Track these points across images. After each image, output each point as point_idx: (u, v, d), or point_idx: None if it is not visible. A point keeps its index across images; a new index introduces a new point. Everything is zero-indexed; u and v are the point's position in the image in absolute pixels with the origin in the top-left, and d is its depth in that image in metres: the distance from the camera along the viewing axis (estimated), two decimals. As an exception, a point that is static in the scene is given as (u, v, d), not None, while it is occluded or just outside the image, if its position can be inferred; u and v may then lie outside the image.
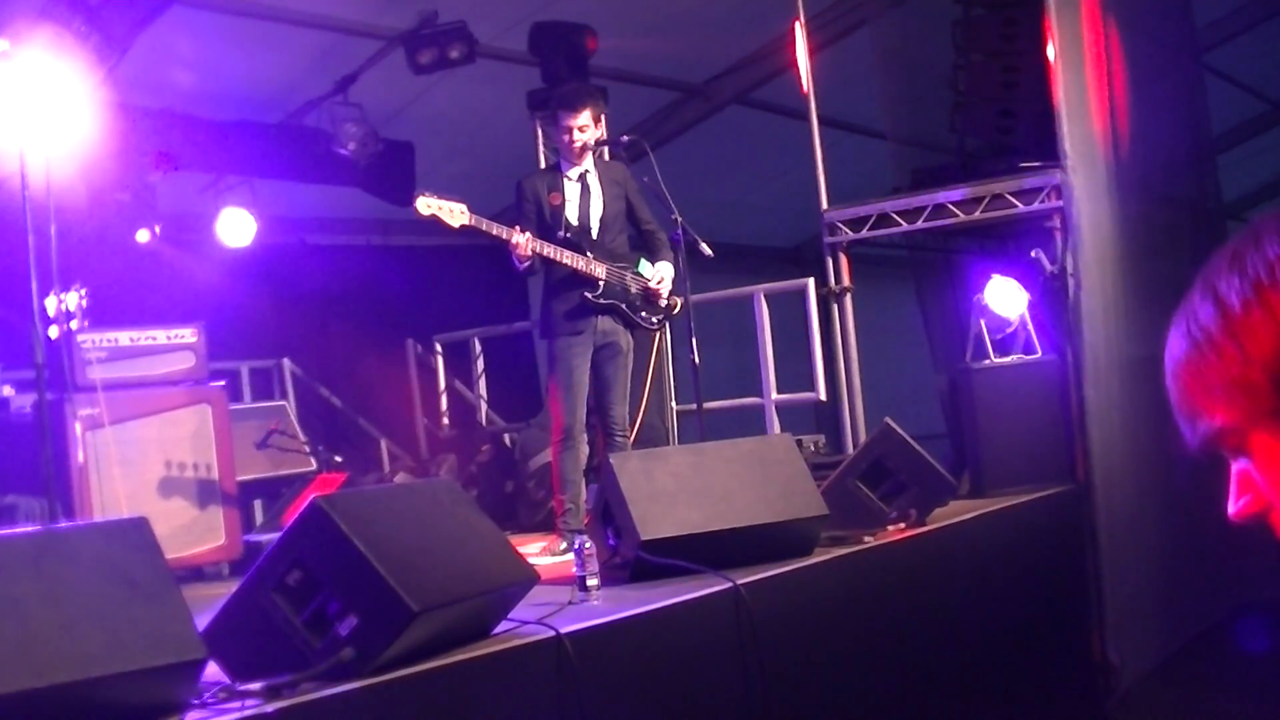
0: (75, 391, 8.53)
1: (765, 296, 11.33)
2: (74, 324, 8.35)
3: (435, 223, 8.00)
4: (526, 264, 8.13)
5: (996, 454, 9.38)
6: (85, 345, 8.70)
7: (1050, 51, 9.38)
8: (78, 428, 8.46)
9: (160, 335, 9.17)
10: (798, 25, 10.51)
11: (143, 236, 10.94)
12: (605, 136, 9.07)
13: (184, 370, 9.21)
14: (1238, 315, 1.42)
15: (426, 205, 7.97)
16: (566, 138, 8.39)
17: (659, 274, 8.56)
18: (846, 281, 10.32)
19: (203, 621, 4.04)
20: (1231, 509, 1.53)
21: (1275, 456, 1.45)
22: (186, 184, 12.27)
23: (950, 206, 9.91)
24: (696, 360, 8.53)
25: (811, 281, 10.91)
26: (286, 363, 13.20)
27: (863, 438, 9.51)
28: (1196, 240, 11.64)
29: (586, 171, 8.49)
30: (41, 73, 7.66)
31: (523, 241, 8.02)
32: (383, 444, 13.60)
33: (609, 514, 6.46)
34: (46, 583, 3.47)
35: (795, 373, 11.39)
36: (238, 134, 11.66)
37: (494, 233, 8.08)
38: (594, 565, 5.70)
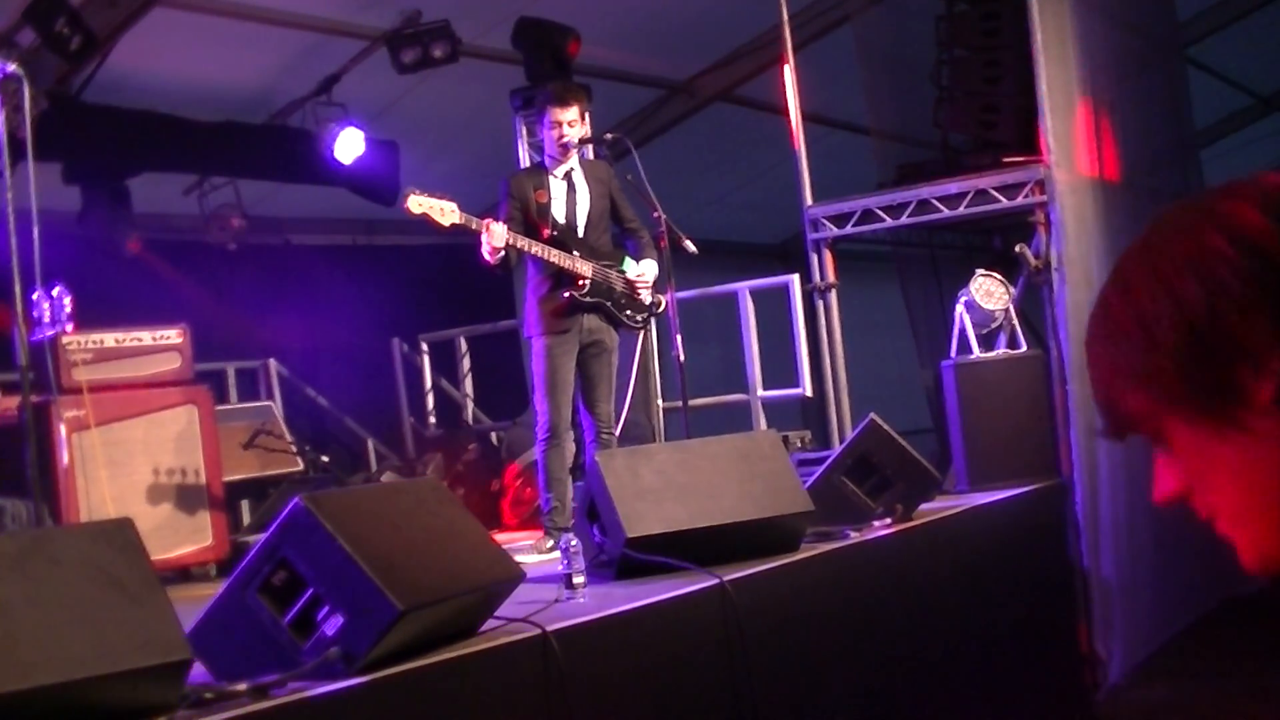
0: (61, 393, 8.52)
1: (750, 293, 11.35)
2: (59, 325, 8.33)
3: (423, 221, 7.99)
4: (498, 257, 8.09)
5: (982, 449, 9.39)
6: (70, 347, 8.70)
7: (1033, 46, 9.40)
8: (63, 429, 8.45)
9: (146, 336, 9.16)
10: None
11: (133, 243, 10.96)
12: (589, 134, 9.08)
13: (170, 371, 9.21)
14: (1145, 304, 1.45)
15: (418, 204, 7.96)
16: (555, 133, 8.38)
17: (643, 272, 8.57)
18: (831, 277, 10.32)
19: (189, 622, 4.04)
20: (1156, 492, 1.55)
21: (1186, 443, 1.48)
22: (171, 185, 12.27)
23: (934, 202, 9.92)
24: (682, 357, 8.54)
25: (796, 278, 10.92)
26: (272, 363, 13.18)
27: (849, 433, 9.51)
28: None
29: (572, 169, 8.49)
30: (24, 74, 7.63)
31: (498, 231, 7.97)
32: (369, 443, 13.59)
33: (595, 511, 6.46)
34: (31, 584, 3.47)
35: (781, 369, 11.40)
36: (222, 135, 11.64)
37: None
38: (580, 563, 5.70)
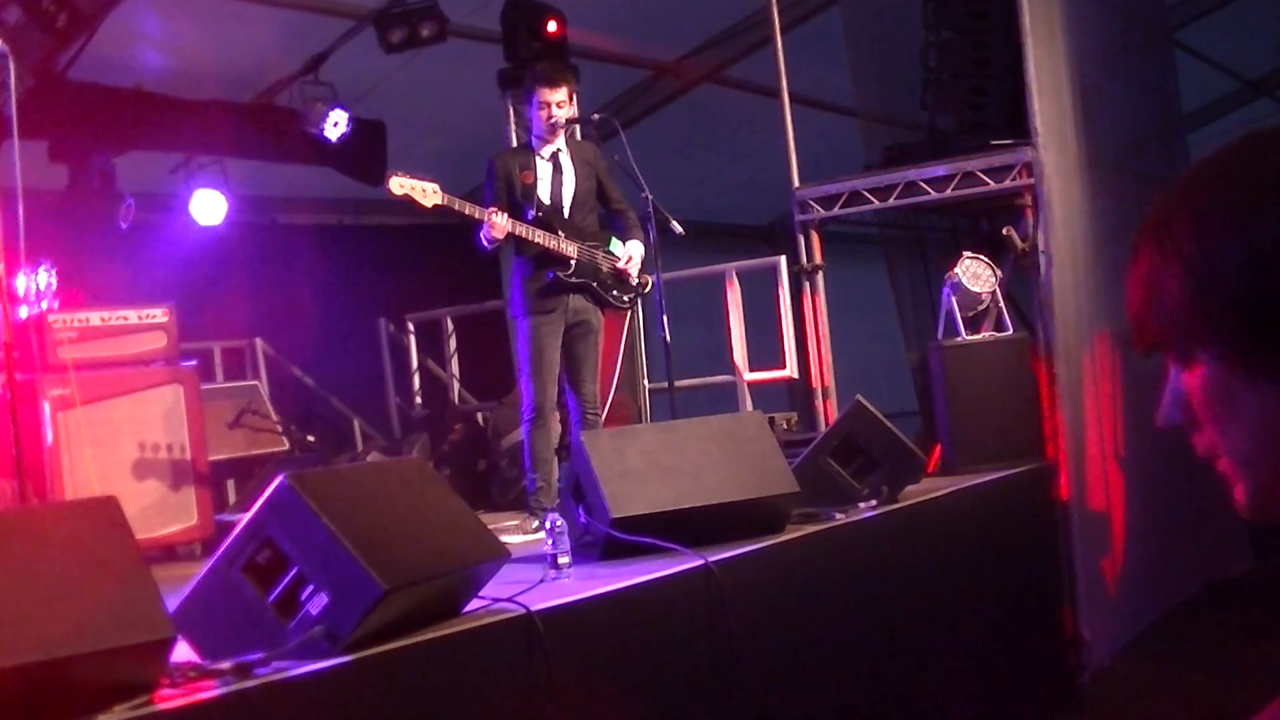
0: (46, 371, 8.51)
1: (737, 274, 11.35)
2: (44, 304, 8.32)
3: (407, 202, 8.00)
4: (496, 244, 8.14)
5: (968, 431, 9.40)
6: (56, 325, 8.68)
7: (1021, 28, 9.39)
8: (48, 408, 8.44)
9: (132, 315, 9.13)
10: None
11: (124, 218, 10.94)
12: (577, 115, 9.07)
13: (156, 350, 9.18)
14: (1214, 231, 1.42)
15: (399, 185, 7.97)
16: (544, 114, 8.38)
17: (630, 253, 8.57)
18: (818, 259, 10.32)
19: (174, 601, 4.04)
20: (1161, 415, 1.53)
21: (1213, 379, 1.45)
22: (158, 164, 12.25)
23: (921, 184, 9.92)
24: (668, 338, 8.53)
25: (783, 259, 10.93)
26: (259, 342, 13.17)
27: (835, 415, 9.53)
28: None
29: (559, 150, 8.49)
30: (10, 51, 7.61)
31: (500, 222, 8.02)
32: (355, 423, 13.59)
33: (580, 492, 6.46)
34: (15, 563, 3.46)
35: (767, 351, 11.40)
36: (209, 114, 11.62)
37: (466, 212, 8.08)
38: (565, 543, 5.71)
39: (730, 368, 11.42)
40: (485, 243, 8.14)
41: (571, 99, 8.55)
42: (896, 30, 11.34)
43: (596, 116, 9.38)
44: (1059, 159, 9.61)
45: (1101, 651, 9.22)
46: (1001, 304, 9.70)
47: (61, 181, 11.01)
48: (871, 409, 7.87)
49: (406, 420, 13.57)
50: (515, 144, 10.74)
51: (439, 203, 8.02)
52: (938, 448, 9.51)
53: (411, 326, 13.85)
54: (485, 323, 13.89)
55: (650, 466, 6.41)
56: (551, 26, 11.31)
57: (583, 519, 6.41)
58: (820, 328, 10.31)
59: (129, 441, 8.85)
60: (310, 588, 4.13)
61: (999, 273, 9.66)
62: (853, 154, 11.33)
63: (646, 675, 5.32)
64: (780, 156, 10.52)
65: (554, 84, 8.37)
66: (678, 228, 8.59)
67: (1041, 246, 9.39)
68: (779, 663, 6.06)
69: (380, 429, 13.59)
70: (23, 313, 8.18)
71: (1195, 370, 1.47)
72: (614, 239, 8.62)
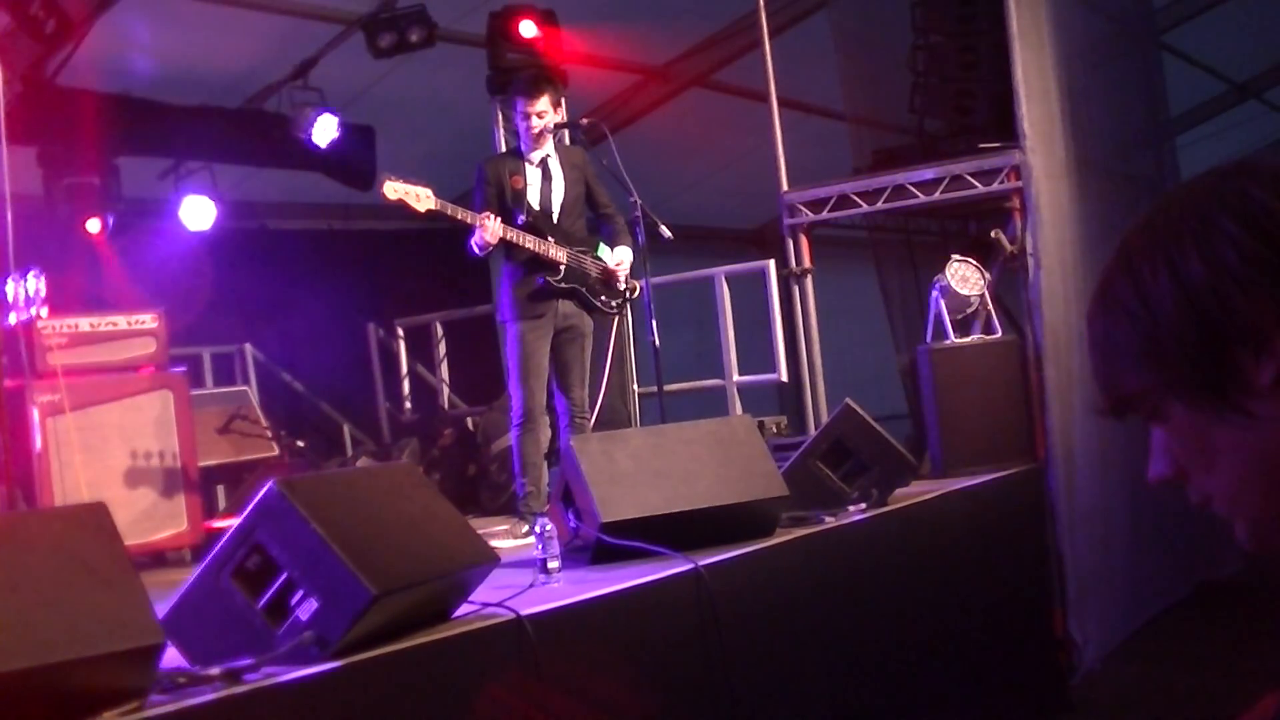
0: (35, 377, 8.50)
1: (726, 278, 11.36)
2: (33, 310, 8.31)
3: (399, 207, 8.01)
4: (488, 249, 8.16)
5: (957, 434, 9.40)
6: (45, 331, 8.67)
7: (1009, 32, 9.41)
8: (37, 414, 8.43)
9: (121, 321, 9.14)
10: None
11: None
12: (565, 120, 9.08)
13: (145, 356, 9.18)
14: (1147, 281, 1.44)
15: (393, 190, 7.98)
16: (525, 123, 8.41)
17: (618, 258, 8.58)
18: (807, 263, 10.33)
19: (163, 607, 4.04)
20: (1150, 472, 1.55)
21: (1185, 424, 1.47)
22: (147, 169, 12.24)
23: (910, 187, 9.93)
24: (657, 342, 8.54)
25: (772, 263, 10.94)
26: (248, 348, 13.17)
27: (824, 418, 9.53)
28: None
29: (547, 156, 8.50)
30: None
31: (493, 227, 8.03)
32: (345, 428, 13.59)
33: (570, 496, 6.46)
34: (3, 569, 3.46)
35: (757, 354, 11.41)
36: (198, 119, 11.62)
37: (459, 217, 8.10)
38: (555, 547, 5.71)
39: (720, 371, 11.43)
40: (477, 248, 8.17)
41: (554, 107, 8.56)
42: (885, 34, 11.36)
43: (585, 121, 9.37)
44: (1047, 162, 9.62)
45: (1092, 653, 9.23)
46: (990, 307, 9.71)
47: (50, 187, 11.00)
48: (861, 412, 7.87)
49: (396, 425, 13.57)
50: (504, 149, 10.73)
51: (433, 208, 8.04)
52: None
53: (401, 331, 13.86)
54: (474, 328, 13.89)
55: (640, 470, 6.41)
56: (529, 31, 11.23)
57: (572, 523, 6.41)
58: (809, 331, 10.32)
59: (118, 447, 8.84)
60: (300, 593, 4.13)
61: (987, 276, 9.68)
62: (841, 158, 11.34)
63: (637, 679, 5.32)
64: (769, 160, 10.54)
65: (531, 95, 8.39)
66: (666, 232, 8.60)
67: (1029, 249, 9.41)
68: (769, 666, 6.06)
69: (370, 434, 13.59)
70: (11, 319, 8.17)
71: (1169, 421, 1.50)
72: (602, 244, 8.64)
